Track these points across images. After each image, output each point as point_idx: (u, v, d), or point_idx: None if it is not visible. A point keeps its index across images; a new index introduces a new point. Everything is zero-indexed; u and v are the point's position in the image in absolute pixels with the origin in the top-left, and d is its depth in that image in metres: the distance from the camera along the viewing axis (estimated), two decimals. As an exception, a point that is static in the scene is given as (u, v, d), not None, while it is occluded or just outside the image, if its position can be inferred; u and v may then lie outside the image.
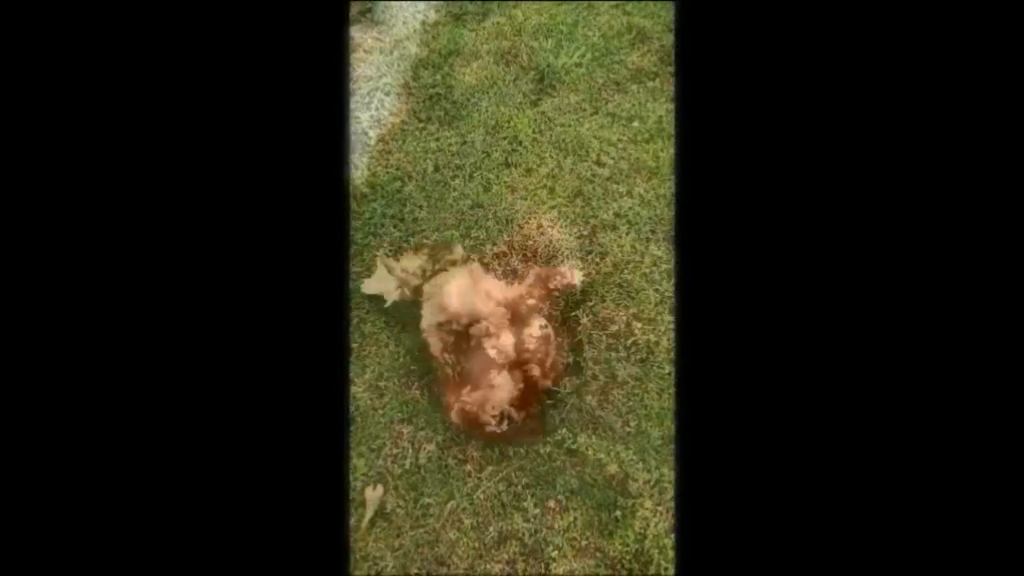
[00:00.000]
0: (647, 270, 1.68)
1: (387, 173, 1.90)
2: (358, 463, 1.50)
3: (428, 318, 1.51)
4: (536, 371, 1.46)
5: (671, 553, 1.34)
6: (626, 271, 1.68)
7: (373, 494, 1.45)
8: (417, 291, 1.57)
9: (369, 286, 1.65)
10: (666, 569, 1.34)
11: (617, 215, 1.78)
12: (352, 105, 2.01)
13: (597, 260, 1.72)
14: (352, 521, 1.44)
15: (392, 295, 1.60)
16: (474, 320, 1.46)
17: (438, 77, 2.07)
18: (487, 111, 1.99)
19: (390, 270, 1.63)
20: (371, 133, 1.96)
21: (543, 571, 1.37)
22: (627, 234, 1.74)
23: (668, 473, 1.42)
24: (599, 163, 1.88)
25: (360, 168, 1.90)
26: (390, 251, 1.75)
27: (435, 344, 1.49)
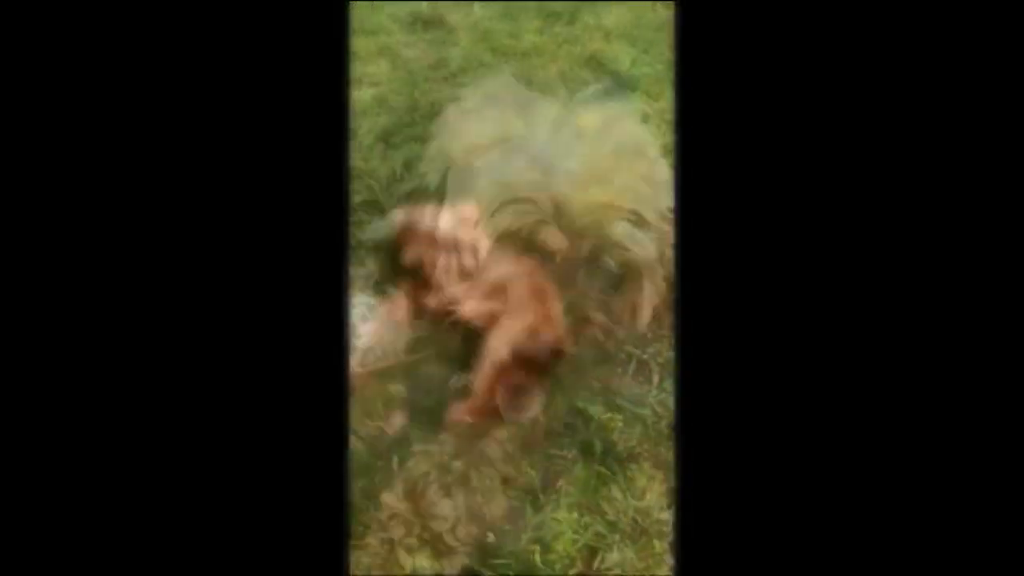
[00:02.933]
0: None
1: (455, 148, 2.04)
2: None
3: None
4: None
5: (666, 528, 1.36)
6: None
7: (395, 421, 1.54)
8: None
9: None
10: (660, 540, 1.35)
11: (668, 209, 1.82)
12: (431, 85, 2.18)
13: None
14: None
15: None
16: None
17: (518, 69, 2.21)
18: (556, 104, 2.10)
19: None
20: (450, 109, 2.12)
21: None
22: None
23: (672, 447, 1.44)
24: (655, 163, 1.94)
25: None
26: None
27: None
